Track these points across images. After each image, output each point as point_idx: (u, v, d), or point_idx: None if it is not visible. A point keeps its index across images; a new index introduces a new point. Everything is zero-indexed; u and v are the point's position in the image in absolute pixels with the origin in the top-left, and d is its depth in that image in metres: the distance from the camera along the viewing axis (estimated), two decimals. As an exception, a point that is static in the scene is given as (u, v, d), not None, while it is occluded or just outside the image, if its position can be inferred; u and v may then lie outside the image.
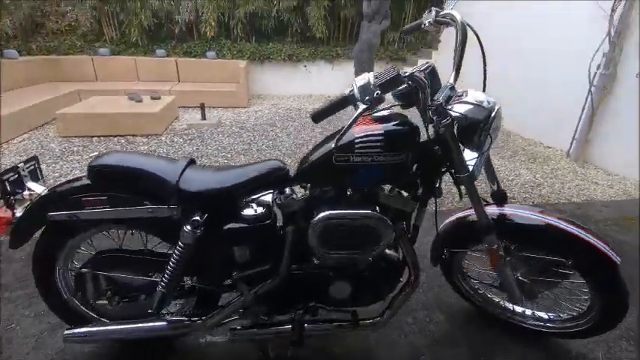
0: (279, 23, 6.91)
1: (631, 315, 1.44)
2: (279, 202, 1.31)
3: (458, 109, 1.15)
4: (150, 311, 1.29)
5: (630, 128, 3.55)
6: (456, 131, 1.17)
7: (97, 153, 3.62)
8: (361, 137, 1.16)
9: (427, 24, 1.33)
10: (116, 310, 1.40)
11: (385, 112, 1.22)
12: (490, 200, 1.45)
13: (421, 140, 1.22)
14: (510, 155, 4.18)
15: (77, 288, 1.35)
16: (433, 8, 1.32)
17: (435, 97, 1.14)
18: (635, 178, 3.56)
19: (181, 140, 4.42)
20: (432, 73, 1.22)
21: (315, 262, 1.39)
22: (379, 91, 1.00)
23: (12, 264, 2.07)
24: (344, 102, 1.06)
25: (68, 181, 1.28)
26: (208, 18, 6.52)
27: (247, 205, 1.28)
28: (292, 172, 1.30)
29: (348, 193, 1.30)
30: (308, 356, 1.55)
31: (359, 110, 1.03)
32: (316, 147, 1.27)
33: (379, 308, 1.47)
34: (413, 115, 1.23)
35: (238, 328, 1.42)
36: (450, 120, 1.14)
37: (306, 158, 1.28)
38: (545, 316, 1.64)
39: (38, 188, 1.30)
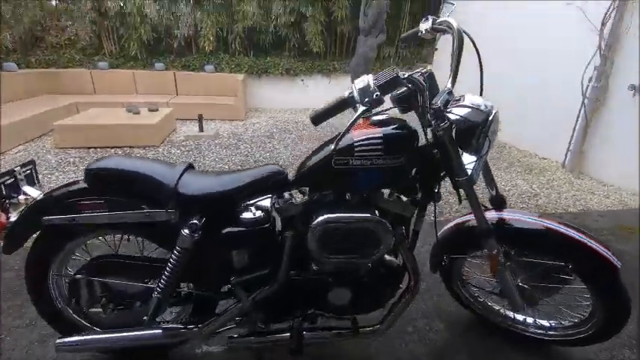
0: (277, 38, 7.01)
1: (633, 322, 1.42)
2: (277, 206, 1.31)
3: (456, 112, 1.17)
4: (145, 318, 1.26)
5: (624, 139, 3.60)
6: (454, 135, 1.18)
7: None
8: (360, 140, 1.16)
9: (424, 31, 1.35)
10: (110, 318, 1.37)
11: (384, 117, 1.23)
12: (489, 205, 1.45)
13: (420, 144, 1.23)
14: (506, 166, 4.21)
15: (71, 295, 1.32)
16: (430, 16, 1.35)
17: (433, 101, 1.16)
18: (630, 189, 3.58)
19: (179, 152, 4.42)
20: (430, 78, 1.23)
21: (314, 267, 1.37)
22: (378, 93, 1.01)
23: (4, 273, 2.02)
24: (343, 104, 1.07)
25: (64, 185, 1.26)
26: (207, 33, 6.61)
27: (246, 209, 1.27)
28: (291, 177, 1.30)
29: (347, 197, 1.30)
30: (307, 366, 1.52)
31: (358, 112, 1.04)
32: (315, 151, 1.27)
33: (379, 316, 1.45)
34: (411, 121, 1.24)
35: (235, 336, 1.39)
36: (449, 123, 1.15)
37: (304, 162, 1.28)
38: (547, 324, 1.62)
39: (34, 192, 1.28)
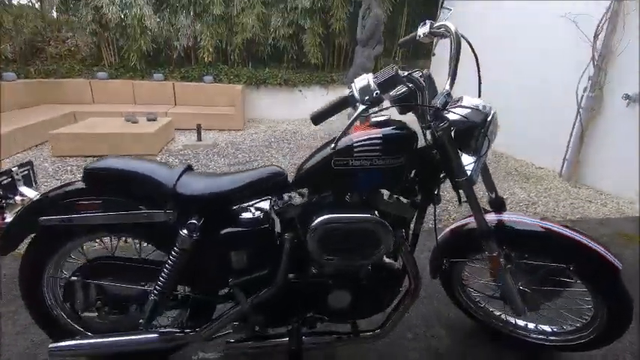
0: (276, 50, 7.10)
1: (635, 326, 1.41)
2: (277, 208, 1.30)
3: (455, 113, 1.17)
4: (141, 321, 1.24)
5: (619, 148, 3.64)
6: (453, 135, 1.19)
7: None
8: (360, 141, 1.16)
9: (422, 35, 1.37)
10: (105, 322, 1.34)
11: (383, 118, 1.24)
12: (488, 209, 1.45)
13: (419, 145, 1.23)
14: (504, 175, 4.22)
15: (66, 298, 1.29)
16: (427, 21, 1.37)
17: (432, 102, 1.17)
18: (627, 197, 3.60)
19: (176, 161, 4.41)
20: (429, 80, 1.24)
21: (314, 270, 1.36)
22: (378, 91, 1.02)
23: (-3, 280, 1.99)
24: (344, 103, 1.07)
25: (62, 186, 1.25)
26: (206, 44, 6.68)
27: (245, 210, 1.26)
28: (291, 179, 1.30)
29: (347, 199, 1.29)
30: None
31: (358, 110, 1.04)
32: (314, 152, 1.27)
33: (379, 320, 1.43)
34: (410, 123, 1.25)
35: (232, 341, 1.36)
36: (448, 123, 1.16)
37: (304, 164, 1.28)
38: (548, 329, 1.60)
39: (31, 193, 1.28)
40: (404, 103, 1.21)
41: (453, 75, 1.18)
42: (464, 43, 1.21)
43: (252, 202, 1.31)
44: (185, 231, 1.17)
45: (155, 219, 1.20)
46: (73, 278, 1.26)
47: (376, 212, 1.24)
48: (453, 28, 1.21)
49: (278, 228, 1.34)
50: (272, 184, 1.27)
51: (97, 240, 1.38)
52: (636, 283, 1.93)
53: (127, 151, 4.40)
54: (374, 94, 1.02)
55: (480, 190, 1.41)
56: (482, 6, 4.95)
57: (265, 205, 1.31)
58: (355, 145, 1.16)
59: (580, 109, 3.89)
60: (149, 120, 5.02)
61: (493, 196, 1.45)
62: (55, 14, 6.98)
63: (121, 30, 6.34)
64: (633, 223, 3.09)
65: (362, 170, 1.18)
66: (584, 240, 1.29)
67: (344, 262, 1.25)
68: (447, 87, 1.21)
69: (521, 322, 1.66)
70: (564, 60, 4.07)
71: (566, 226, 1.34)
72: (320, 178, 1.25)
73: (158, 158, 4.44)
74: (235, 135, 5.83)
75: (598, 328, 1.41)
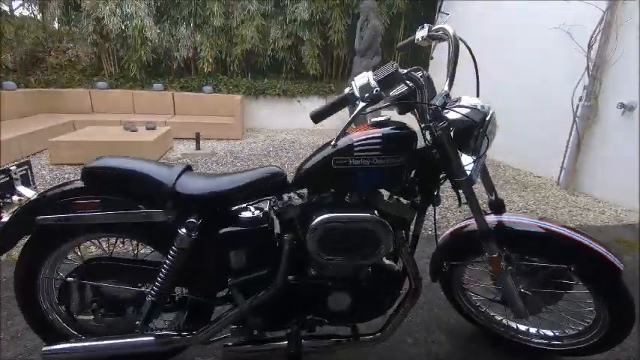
0: (275, 61, 7.18)
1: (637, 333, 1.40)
2: (276, 208, 1.29)
3: (454, 112, 1.18)
4: (137, 322, 1.22)
5: (616, 156, 3.66)
6: (452, 135, 1.19)
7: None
8: (360, 140, 1.17)
9: (420, 39, 1.38)
10: (100, 326, 1.31)
11: (383, 119, 1.24)
12: (488, 211, 1.45)
13: (419, 146, 1.24)
14: (502, 184, 4.23)
15: (61, 299, 1.27)
16: (426, 24, 1.39)
17: (431, 102, 1.18)
18: (625, 205, 3.61)
19: (175, 168, 4.40)
20: (428, 81, 1.26)
21: (313, 272, 1.34)
22: (378, 88, 1.03)
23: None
24: (344, 101, 1.08)
25: (60, 185, 1.24)
26: (206, 55, 6.74)
27: (244, 209, 1.25)
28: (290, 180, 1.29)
29: (347, 199, 1.29)
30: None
31: (358, 107, 1.05)
32: (314, 153, 1.27)
33: (379, 324, 1.41)
34: (409, 125, 1.25)
35: (230, 344, 1.33)
36: (447, 123, 1.16)
37: (304, 164, 1.28)
38: (550, 334, 1.58)
39: (28, 193, 1.27)
40: (404, 101, 1.22)
41: (451, 76, 1.19)
42: (462, 46, 1.23)
43: (252, 202, 1.30)
44: (184, 230, 1.16)
45: (154, 218, 1.19)
46: (69, 279, 1.24)
47: (376, 212, 1.23)
48: (451, 31, 1.23)
49: (277, 229, 1.33)
50: (271, 185, 1.27)
51: (94, 241, 1.37)
52: (636, 289, 1.92)
53: (125, 159, 4.39)
54: (374, 91, 1.02)
55: (479, 193, 1.42)
56: (476, 19, 5.05)
57: (265, 205, 1.30)
58: (355, 144, 1.17)
59: (576, 118, 3.93)
60: (148, 129, 5.03)
61: (493, 198, 1.45)
62: (56, 25, 7.05)
63: (121, 41, 6.40)
64: (632, 231, 3.09)
65: (362, 169, 1.18)
66: (585, 240, 1.28)
67: (344, 262, 1.24)
68: (446, 88, 1.22)
69: (522, 327, 1.64)
70: (560, 70, 4.13)
71: (567, 227, 1.33)
72: (320, 177, 1.24)
73: (156, 166, 4.43)
74: (234, 144, 5.84)
75: (600, 331, 1.40)
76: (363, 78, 1.05)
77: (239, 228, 1.21)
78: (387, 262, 1.37)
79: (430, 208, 1.35)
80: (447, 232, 1.57)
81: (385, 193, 1.32)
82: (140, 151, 4.46)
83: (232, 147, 5.63)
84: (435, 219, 1.45)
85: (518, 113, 4.60)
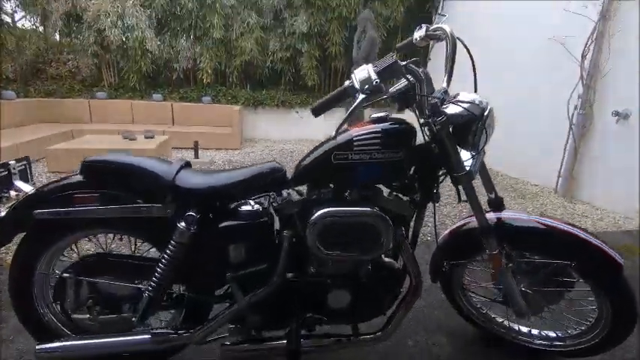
0: (273, 72, 7.26)
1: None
2: (275, 204, 1.29)
3: (452, 107, 1.20)
4: (133, 319, 1.19)
5: (612, 164, 3.69)
6: (451, 131, 1.20)
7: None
8: (360, 135, 1.18)
9: (418, 38, 1.41)
10: (96, 325, 1.28)
11: (383, 115, 1.25)
12: (488, 209, 1.45)
13: (418, 142, 1.25)
14: (500, 193, 4.21)
15: (56, 296, 1.25)
16: (423, 25, 1.41)
17: (430, 99, 1.19)
18: (622, 212, 3.61)
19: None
20: (427, 78, 1.27)
21: (312, 269, 1.33)
22: (378, 80, 1.04)
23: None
24: (343, 93, 1.09)
25: (59, 179, 1.24)
26: (205, 66, 6.82)
27: (244, 204, 1.24)
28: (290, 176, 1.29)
29: (347, 196, 1.29)
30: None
31: (358, 99, 1.06)
32: (313, 149, 1.27)
33: (380, 323, 1.39)
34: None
35: (228, 343, 1.31)
36: (446, 118, 1.18)
37: (303, 159, 1.28)
38: (553, 334, 1.56)
39: (26, 188, 1.26)
40: (402, 102, 1.24)
41: (449, 73, 1.21)
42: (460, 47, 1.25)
43: (251, 198, 1.30)
44: (183, 224, 1.15)
45: (153, 213, 1.18)
46: (65, 275, 1.22)
47: (376, 208, 1.23)
48: (448, 30, 1.25)
49: (277, 225, 1.32)
50: (271, 180, 1.27)
51: (92, 238, 1.35)
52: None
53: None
54: (374, 83, 1.04)
55: (479, 194, 1.42)
56: (471, 32, 5.15)
57: (264, 201, 1.30)
58: (355, 139, 1.17)
59: (572, 127, 3.97)
60: (147, 138, 5.04)
61: (492, 196, 1.45)
62: (57, 37, 7.13)
63: (122, 52, 6.48)
64: (631, 237, 3.09)
65: (361, 164, 1.18)
66: (585, 236, 1.28)
67: (343, 257, 1.23)
68: (444, 85, 1.24)
69: (524, 329, 1.62)
70: (555, 80, 4.19)
71: (567, 223, 1.33)
72: (320, 172, 1.25)
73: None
74: (232, 154, 5.85)
75: (602, 330, 1.38)
76: (363, 71, 1.06)
77: (238, 222, 1.20)
78: (387, 259, 1.36)
79: (430, 208, 1.35)
80: (447, 231, 1.56)
81: (385, 190, 1.32)
82: (138, 159, 4.44)
83: (231, 156, 5.63)
84: (434, 218, 1.45)
85: (515, 122, 4.63)
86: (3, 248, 2.16)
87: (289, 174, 1.31)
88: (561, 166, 4.17)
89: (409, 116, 1.29)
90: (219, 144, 6.13)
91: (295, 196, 1.31)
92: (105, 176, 1.20)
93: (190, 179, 1.21)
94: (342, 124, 1.12)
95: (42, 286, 1.30)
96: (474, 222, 1.39)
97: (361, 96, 1.05)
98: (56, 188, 1.19)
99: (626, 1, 3.44)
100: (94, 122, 6.32)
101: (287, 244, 1.26)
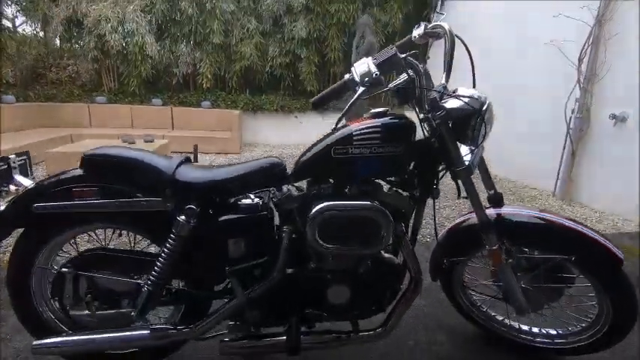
0: (273, 77, 7.30)
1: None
2: (275, 200, 1.29)
3: (451, 102, 1.21)
4: (132, 313, 1.18)
5: (610, 166, 3.70)
6: (450, 125, 1.21)
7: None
8: (360, 129, 1.18)
9: (417, 36, 1.42)
10: (94, 320, 1.27)
11: (382, 110, 1.26)
12: (487, 205, 1.45)
13: (418, 137, 1.25)
14: (499, 195, 4.25)
15: (54, 292, 1.23)
16: (422, 22, 1.43)
17: (430, 94, 1.20)
18: (621, 214, 3.62)
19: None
20: (426, 73, 1.28)
21: (312, 265, 1.32)
22: (377, 72, 1.05)
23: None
24: (344, 87, 1.10)
25: (58, 173, 1.23)
26: (205, 71, 6.86)
27: (244, 198, 1.24)
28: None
29: (347, 191, 1.29)
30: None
31: (358, 92, 1.06)
32: (313, 144, 1.28)
33: (380, 320, 1.38)
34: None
35: (227, 340, 1.30)
36: (445, 112, 1.18)
37: (303, 155, 1.29)
38: (554, 332, 1.55)
39: (26, 182, 1.26)
40: (401, 97, 1.24)
41: (448, 70, 1.22)
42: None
43: (251, 193, 1.30)
44: (183, 217, 1.15)
45: (153, 207, 1.18)
46: (64, 269, 1.21)
47: (376, 203, 1.23)
48: (446, 27, 1.27)
49: (277, 221, 1.32)
50: (271, 175, 1.27)
51: (91, 233, 1.35)
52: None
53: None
54: (373, 75, 1.04)
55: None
56: (468, 37, 5.19)
57: (264, 196, 1.30)
58: (355, 133, 1.18)
59: (569, 130, 3.99)
60: (146, 141, 5.04)
61: (492, 192, 1.46)
62: (58, 42, 7.17)
63: (122, 57, 6.51)
64: (630, 239, 3.08)
65: (361, 158, 1.19)
66: (585, 230, 1.29)
67: (343, 251, 1.23)
68: (443, 81, 1.25)
69: (525, 326, 1.61)
70: (553, 84, 4.22)
71: (566, 218, 1.34)
72: (320, 167, 1.25)
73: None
74: (232, 158, 5.86)
75: (603, 326, 1.38)
76: (363, 64, 1.07)
77: (238, 215, 1.20)
78: (387, 255, 1.36)
79: (430, 208, 1.35)
80: (446, 229, 1.56)
81: (385, 186, 1.32)
82: (137, 162, 4.44)
83: (230, 160, 5.64)
84: (434, 214, 1.45)
85: (514, 125, 4.67)
86: (2, 248, 2.16)
87: (289, 170, 1.31)
88: (559, 169, 4.18)
89: (409, 115, 1.30)
90: (219, 148, 6.14)
91: (295, 192, 1.31)
92: (105, 170, 1.20)
93: (190, 173, 1.21)
94: (341, 117, 1.12)
95: (40, 282, 1.30)
96: (473, 218, 1.39)
97: (361, 89, 1.06)
98: (56, 182, 1.19)
99: (626, 0, 3.46)
100: (94, 127, 6.33)
101: (287, 239, 1.26)
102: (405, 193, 1.32)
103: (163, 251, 1.18)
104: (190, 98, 7.07)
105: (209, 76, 6.91)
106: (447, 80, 1.25)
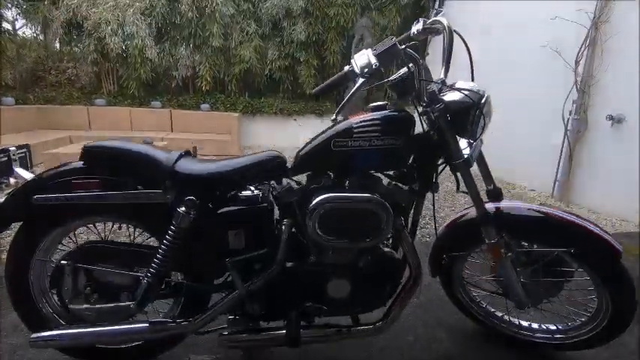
0: (272, 80, 7.32)
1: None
2: (275, 193, 1.29)
3: (450, 95, 1.22)
4: (131, 305, 1.18)
5: (607, 167, 3.72)
6: (449, 118, 1.22)
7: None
8: (359, 122, 1.19)
9: (416, 32, 1.43)
10: (93, 314, 1.26)
11: (382, 103, 1.27)
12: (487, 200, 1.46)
13: (417, 131, 1.26)
14: (497, 197, 4.26)
15: (53, 284, 1.23)
16: (420, 19, 1.45)
17: (429, 87, 1.21)
18: (618, 215, 3.63)
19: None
20: (425, 69, 1.29)
21: (312, 259, 1.32)
22: (377, 63, 1.06)
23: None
24: (344, 77, 1.11)
25: (59, 166, 1.23)
26: (204, 74, 6.87)
27: (243, 189, 1.25)
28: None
29: (346, 184, 1.29)
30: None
31: (358, 83, 1.07)
32: (313, 138, 1.28)
33: (379, 314, 1.38)
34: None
35: (226, 333, 1.29)
36: (444, 105, 1.19)
37: (303, 148, 1.29)
38: (553, 327, 1.55)
39: (26, 175, 1.25)
40: (400, 91, 1.26)
41: (446, 64, 1.23)
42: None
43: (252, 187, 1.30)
44: (183, 208, 1.15)
45: (153, 199, 1.18)
46: (63, 262, 1.21)
47: (376, 195, 1.23)
48: (445, 22, 1.28)
49: (277, 215, 1.32)
50: (271, 168, 1.27)
51: (90, 226, 1.34)
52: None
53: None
54: (373, 66, 1.05)
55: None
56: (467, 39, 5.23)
57: (264, 189, 1.30)
58: (355, 126, 1.19)
59: (567, 131, 4.02)
60: (145, 144, 5.04)
61: (491, 187, 1.46)
62: (57, 45, 7.19)
63: (121, 60, 6.53)
64: (628, 239, 3.09)
65: (361, 151, 1.19)
66: (584, 223, 1.29)
67: (342, 244, 1.23)
68: (442, 75, 1.26)
69: (525, 323, 1.61)
70: (550, 85, 4.25)
71: (565, 211, 1.34)
72: (320, 160, 1.26)
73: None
74: (230, 160, 5.85)
75: (603, 319, 1.37)
76: (363, 55, 1.08)
77: (239, 207, 1.20)
78: (387, 249, 1.36)
79: (429, 206, 1.36)
80: (445, 224, 1.56)
81: (385, 180, 1.32)
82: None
83: (229, 162, 5.63)
84: (434, 210, 1.45)
85: (511, 128, 4.69)
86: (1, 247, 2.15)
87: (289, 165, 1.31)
88: (557, 170, 4.20)
89: (409, 111, 1.31)
90: (219, 151, 6.13)
91: (295, 185, 1.32)
92: (105, 162, 1.20)
93: (190, 166, 1.21)
94: (341, 107, 1.13)
95: (39, 275, 1.29)
96: (472, 213, 1.40)
97: (361, 80, 1.07)
98: (56, 174, 1.19)
99: (626, 0, 3.49)
100: (93, 129, 6.33)
101: (286, 232, 1.26)
102: (404, 187, 1.33)
103: (163, 243, 1.18)
104: (189, 101, 7.09)
105: (208, 78, 6.93)
106: (445, 75, 1.26)
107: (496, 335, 1.65)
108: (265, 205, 1.23)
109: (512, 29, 4.82)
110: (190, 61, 6.84)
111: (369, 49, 1.10)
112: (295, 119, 7.35)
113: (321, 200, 1.18)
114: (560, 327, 1.54)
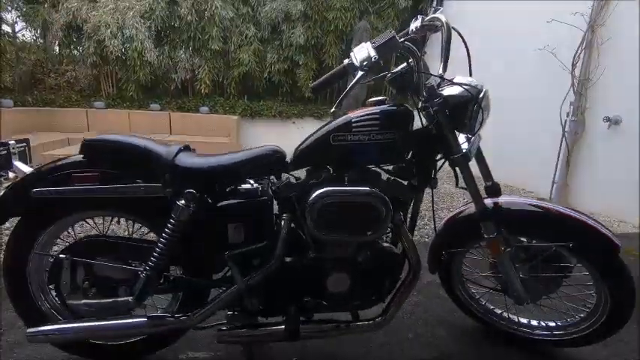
0: (271, 83, 7.34)
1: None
2: (274, 188, 1.29)
3: (448, 89, 1.23)
4: (130, 300, 1.17)
5: (605, 169, 3.74)
6: (448, 112, 1.22)
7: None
8: (358, 116, 1.20)
9: (414, 29, 1.44)
10: (91, 309, 1.26)
11: (381, 98, 1.28)
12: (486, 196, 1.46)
13: (416, 126, 1.27)
14: (496, 198, 4.26)
15: (51, 279, 1.22)
16: (419, 16, 1.46)
17: (427, 82, 1.22)
18: (616, 217, 3.65)
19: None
20: (424, 65, 1.30)
21: (311, 254, 1.32)
22: (376, 56, 1.07)
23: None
24: (343, 71, 1.11)
25: (58, 159, 1.23)
26: (204, 77, 6.89)
27: (243, 183, 1.25)
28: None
29: (345, 178, 1.29)
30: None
31: (357, 76, 1.08)
32: (313, 133, 1.29)
33: (379, 310, 1.38)
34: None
35: (225, 329, 1.29)
36: (442, 99, 1.20)
37: (302, 143, 1.30)
38: (552, 324, 1.55)
39: (25, 168, 1.25)
40: (399, 86, 1.27)
41: (445, 60, 1.24)
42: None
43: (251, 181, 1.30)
44: (182, 202, 1.15)
45: (152, 193, 1.18)
46: (62, 256, 1.20)
47: (375, 189, 1.24)
48: (443, 19, 1.29)
49: (276, 210, 1.32)
50: (271, 162, 1.28)
51: (88, 220, 1.34)
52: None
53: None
54: (372, 59, 1.06)
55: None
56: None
57: (264, 183, 1.31)
58: (354, 120, 1.20)
59: (565, 133, 4.04)
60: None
61: (489, 183, 1.47)
62: (57, 48, 7.20)
63: (121, 63, 6.54)
64: (627, 240, 3.09)
65: (360, 145, 1.20)
66: (582, 217, 1.30)
67: (341, 238, 1.23)
68: (440, 70, 1.27)
69: (524, 319, 1.61)
70: (548, 88, 4.28)
71: (564, 206, 1.35)
72: (319, 154, 1.26)
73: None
74: (229, 162, 5.85)
75: (602, 315, 1.38)
76: (362, 49, 1.09)
77: (238, 200, 1.20)
78: (386, 244, 1.36)
79: (428, 206, 1.36)
80: (443, 220, 1.57)
81: (383, 176, 1.33)
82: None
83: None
84: (433, 207, 1.46)
85: (509, 130, 4.71)
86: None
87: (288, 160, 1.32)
88: (555, 172, 4.21)
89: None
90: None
91: (294, 180, 1.32)
92: (105, 155, 1.20)
93: (190, 160, 1.22)
94: (341, 99, 1.14)
95: (37, 269, 1.28)
96: (471, 209, 1.41)
97: (360, 73, 1.08)
98: (55, 168, 1.19)
99: (625, 0, 3.52)
100: (92, 131, 6.31)
101: (286, 227, 1.26)
102: (403, 182, 1.33)
103: (162, 236, 1.18)
104: (189, 104, 7.09)
105: (207, 81, 6.94)
106: (444, 71, 1.27)
107: (495, 332, 1.64)
108: (265, 198, 1.23)
109: (510, 32, 4.86)
110: (189, 64, 6.85)
111: (369, 43, 1.10)
112: (294, 122, 7.36)
113: (320, 194, 1.18)
114: (559, 323, 1.54)
